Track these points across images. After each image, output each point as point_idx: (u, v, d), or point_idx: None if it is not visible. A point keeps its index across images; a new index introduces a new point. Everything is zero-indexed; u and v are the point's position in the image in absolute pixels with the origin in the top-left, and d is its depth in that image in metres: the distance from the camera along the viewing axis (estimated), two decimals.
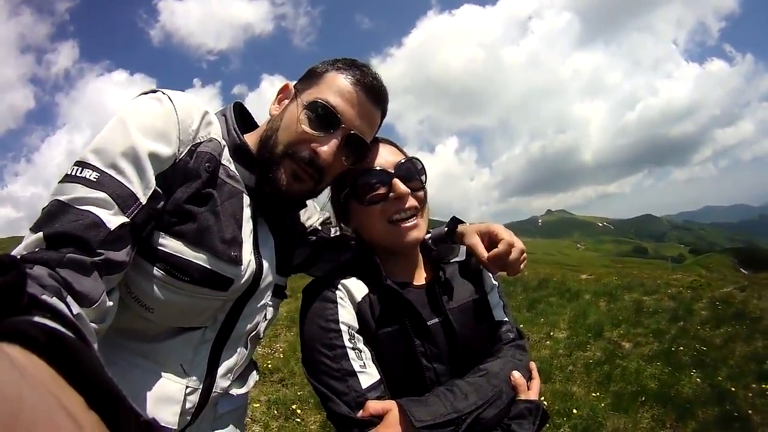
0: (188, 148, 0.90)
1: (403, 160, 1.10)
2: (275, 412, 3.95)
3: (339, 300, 1.04)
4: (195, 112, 0.93)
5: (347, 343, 0.99)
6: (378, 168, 1.09)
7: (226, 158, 1.00)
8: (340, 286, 1.06)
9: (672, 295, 8.09)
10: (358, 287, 1.07)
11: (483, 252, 1.12)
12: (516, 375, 1.05)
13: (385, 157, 1.11)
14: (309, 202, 1.33)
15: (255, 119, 1.20)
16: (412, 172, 1.11)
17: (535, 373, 1.11)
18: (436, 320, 1.07)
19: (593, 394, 4.45)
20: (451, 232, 1.22)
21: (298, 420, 3.81)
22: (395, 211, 1.07)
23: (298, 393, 4.25)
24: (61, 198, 0.73)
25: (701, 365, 4.94)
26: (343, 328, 1.00)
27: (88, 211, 0.73)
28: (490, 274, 1.22)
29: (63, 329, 0.32)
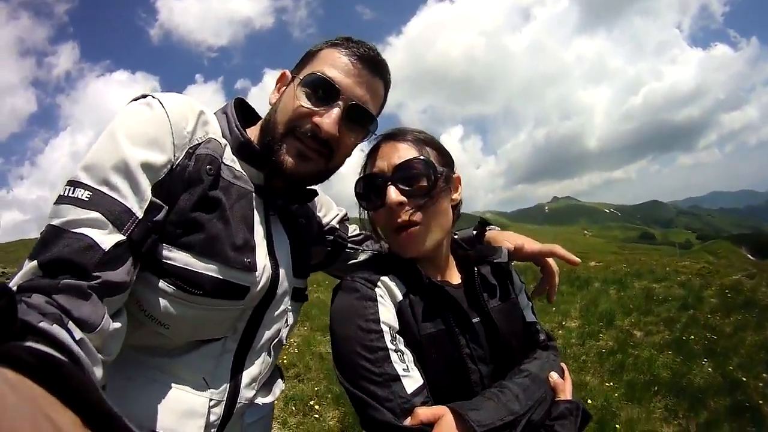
0: (185, 151, 0.86)
1: (404, 160, 1.00)
2: (293, 408, 3.95)
3: (379, 298, 0.95)
4: (189, 113, 0.88)
5: (389, 345, 0.90)
6: (374, 173, 1.03)
7: (229, 158, 0.95)
8: (380, 284, 0.98)
9: (681, 282, 8.10)
10: (397, 286, 1.00)
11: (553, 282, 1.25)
12: (554, 376, 1.02)
13: (387, 158, 1.02)
14: (327, 199, 1.32)
15: (258, 113, 1.15)
16: (414, 172, 0.99)
17: (567, 374, 1.08)
18: (477, 319, 1.02)
19: (607, 384, 4.49)
20: (480, 236, 1.18)
21: (317, 416, 3.83)
22: (394, 220, 0.99)
23: (315, 388, 4.28)
24: (54, 222, 0.72)
25: (712, 354, 4.96)
26: (385, 328, 0.91)
27: (81, 233, 0.71)
28: (518, 275, 1.22)
29: (56, 354, 0.32)
